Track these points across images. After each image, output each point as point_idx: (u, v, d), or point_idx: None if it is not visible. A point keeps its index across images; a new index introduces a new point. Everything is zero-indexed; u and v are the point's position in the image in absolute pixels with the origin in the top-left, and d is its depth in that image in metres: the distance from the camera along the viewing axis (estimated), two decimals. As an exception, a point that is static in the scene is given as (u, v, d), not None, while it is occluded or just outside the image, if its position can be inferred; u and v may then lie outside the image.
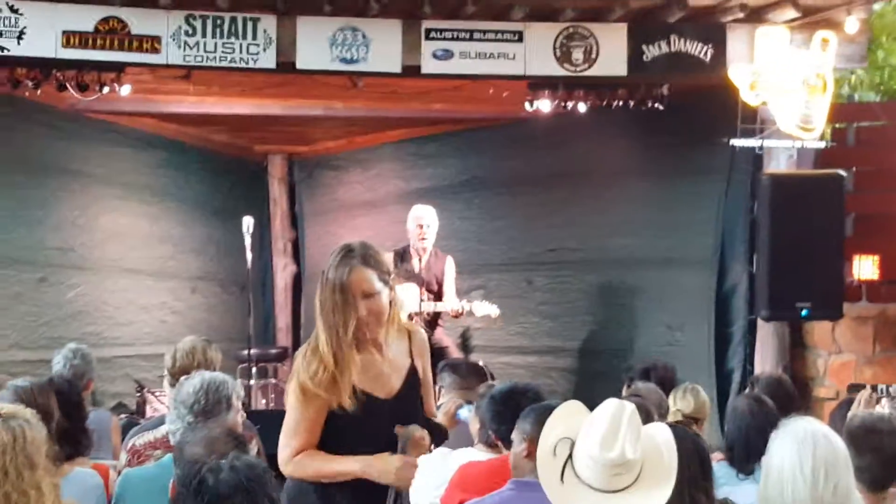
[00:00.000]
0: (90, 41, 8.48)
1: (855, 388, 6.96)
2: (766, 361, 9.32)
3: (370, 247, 4.15)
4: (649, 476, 3.21)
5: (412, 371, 4.33)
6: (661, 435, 3.34)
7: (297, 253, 13.76)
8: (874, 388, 6.40)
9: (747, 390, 7.35)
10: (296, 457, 4.12)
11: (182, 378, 4.68)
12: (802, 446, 3.42)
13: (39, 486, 3.33)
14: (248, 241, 10.18)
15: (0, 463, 3.28)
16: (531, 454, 3.96)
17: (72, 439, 4.97)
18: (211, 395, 4.48)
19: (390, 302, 4.16)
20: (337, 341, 4.05)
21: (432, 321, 9.66)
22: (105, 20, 8.46)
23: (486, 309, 9.64)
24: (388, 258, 9.79)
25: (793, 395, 6.62)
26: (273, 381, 11.09)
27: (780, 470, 3.44)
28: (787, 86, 8.80)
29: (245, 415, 4.92)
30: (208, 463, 2.96)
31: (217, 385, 4.52)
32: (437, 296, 9.70)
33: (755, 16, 8.96)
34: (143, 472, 4.45)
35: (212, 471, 2.93)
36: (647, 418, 4.99)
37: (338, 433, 4.13)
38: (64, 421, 4.86)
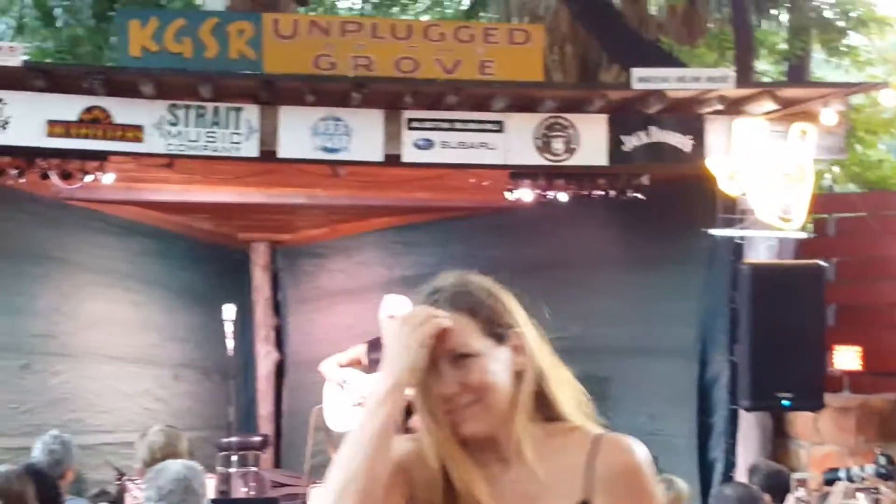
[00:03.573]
0: (74, 130, 8.54)
1: (831, 473, 6.97)
2: (748, 451, 9.27)
3: (473, 282, 2.41)
4: None
5: None
6: None
7: (279, 340, 13.73)
8: (849, 473, 6.42)
9: (747, 477, 7.35)
10: None
11: (155, 468, 4.65)
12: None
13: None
14: (229, 328, 10.17)
15: None
16: None
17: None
18: (184, 485, 4.46)
19: (518, 373, 2.33)
20: (434, 434, 2.34)
21: (408, 408, 9.57)
22: (89, 110, 8.54)
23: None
24: (361, 349, 9.78)
25: (789, 488, 6.61)
26: (254, 469, 10.99)
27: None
28: (765, 177, 8.87)
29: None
30: None
31: (192, 475, 4.51)
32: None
33: (734, 107, 9.07)
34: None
35: None
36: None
37: None
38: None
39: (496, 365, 2.30)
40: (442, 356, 2.29)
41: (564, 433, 2.35)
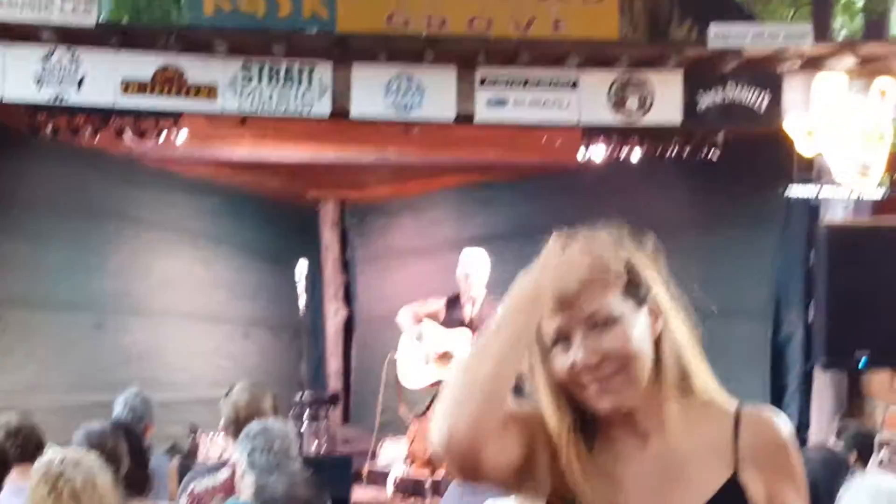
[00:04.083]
0: (148, 89, 8.59)
1: None
2: (822, 411, 9.21)
3: (611, 237, 2.18)
4: None
5: (728, 492, 2.07)
6: None
7: (348, 298, 13.79)
8: None
9: (833, 438, 7.31)
10: None
11: (250, 427, 4.67)
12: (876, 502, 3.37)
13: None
14: (301, 286, 10.20)
15: None
16: None
17: (134, 483, 4.98)
18: (285, 445, 4.51)
19: (657, 341, 2.14)
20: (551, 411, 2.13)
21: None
22: (163, 68, 8.58)
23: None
24: (440, 304, 9.76)
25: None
26: (325, 424, 11.07)
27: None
28: (844, 135, 8.75)
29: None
30: None
31: (285, 433, 4.56)
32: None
33: (812, 64, 8.93)
34: (206, 519, 4.47)
35: None
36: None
37: None
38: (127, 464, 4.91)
39: (638, 331, 2.07)
40: (577, 322, 2.04)
41: (702, 407, 2.15)
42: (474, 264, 9.52)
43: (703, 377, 2.18)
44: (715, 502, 2.04)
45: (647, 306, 2.11)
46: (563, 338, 2.07)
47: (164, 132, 8.89)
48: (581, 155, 9.57)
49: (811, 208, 9.30)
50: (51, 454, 3.72)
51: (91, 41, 8.53)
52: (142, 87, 8.60)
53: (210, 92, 8.69)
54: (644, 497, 2.06)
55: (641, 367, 2.07)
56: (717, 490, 2.05)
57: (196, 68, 8.66)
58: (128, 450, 4.89)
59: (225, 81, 8.65)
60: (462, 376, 2.00)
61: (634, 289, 2.09)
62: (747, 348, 10.05)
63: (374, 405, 10.99)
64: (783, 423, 2.14)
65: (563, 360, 2.06)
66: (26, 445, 5.26)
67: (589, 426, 2.11)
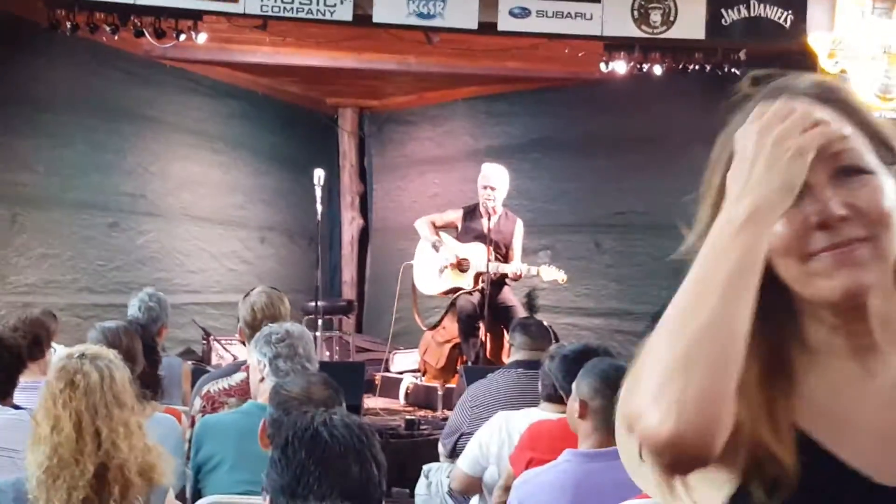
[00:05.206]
0: (169, -13, 8.52)
1: None
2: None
3: (845, 87, 1.60)
4: None
5: None
6: None
7: (364, 207, 13.79)
8: None
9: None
10: None
11: (265, 330, 4.66)
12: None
13: (128, 424, 3.38)
14: (318, 193, 10.18)
15: (90, 401, 3.33)
16: (583, 415, 4.02)
17: (145, 383, 5.00)
18: (304, 348, 4.52)
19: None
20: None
21: (499, 280, 9.51)
22: (185, -34, 8.50)
23: (553, 274, 9.42)
24: (458, 214, 9.77)
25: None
26: (338, 333, 11.13)
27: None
28: (866, 55, 8.68)
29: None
30: (320, 415, 2.66)
31: (308, 337, 4.58)
32: (505, 257, 9.58)
33: (838, -18, 8.85)
34: (222, 419, 4.48)
35: (325, 425, 2.60)
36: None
37: None
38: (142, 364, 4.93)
39: (892, 195, 1.47)
40: (820, 168, 1.45)
41: None
42: (495, 177, 9.46)
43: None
44: None
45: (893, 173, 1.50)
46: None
47: (184, 33, 8.84)
48: (603, 67, 9.51)
49: (832, 126, 9.24)
50: (70, 349, 3.74)
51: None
52: (162, -14, 8.53)
53: (232, -7, 8.61)
54: (883, 442, 1.46)
55: (891, 242, 1.46)
56: None
57: (218, -32, 8.58)
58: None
59: (247, -18, 8.57)
60: (679, 330, 1.41)
61: (881, 148, 1.51)
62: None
63: (386, 315, 11.02)
64: None
65: (792, 217, 1.46)
66: (31, 341, 5.26)
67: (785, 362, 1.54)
